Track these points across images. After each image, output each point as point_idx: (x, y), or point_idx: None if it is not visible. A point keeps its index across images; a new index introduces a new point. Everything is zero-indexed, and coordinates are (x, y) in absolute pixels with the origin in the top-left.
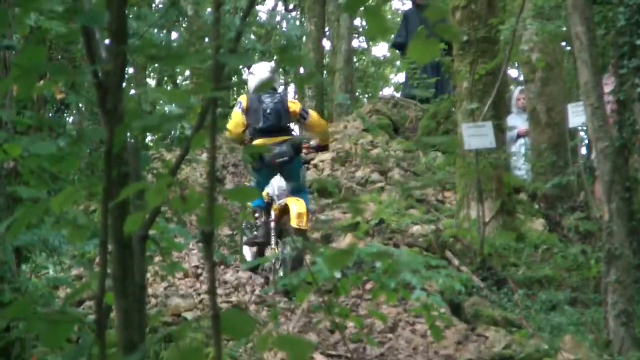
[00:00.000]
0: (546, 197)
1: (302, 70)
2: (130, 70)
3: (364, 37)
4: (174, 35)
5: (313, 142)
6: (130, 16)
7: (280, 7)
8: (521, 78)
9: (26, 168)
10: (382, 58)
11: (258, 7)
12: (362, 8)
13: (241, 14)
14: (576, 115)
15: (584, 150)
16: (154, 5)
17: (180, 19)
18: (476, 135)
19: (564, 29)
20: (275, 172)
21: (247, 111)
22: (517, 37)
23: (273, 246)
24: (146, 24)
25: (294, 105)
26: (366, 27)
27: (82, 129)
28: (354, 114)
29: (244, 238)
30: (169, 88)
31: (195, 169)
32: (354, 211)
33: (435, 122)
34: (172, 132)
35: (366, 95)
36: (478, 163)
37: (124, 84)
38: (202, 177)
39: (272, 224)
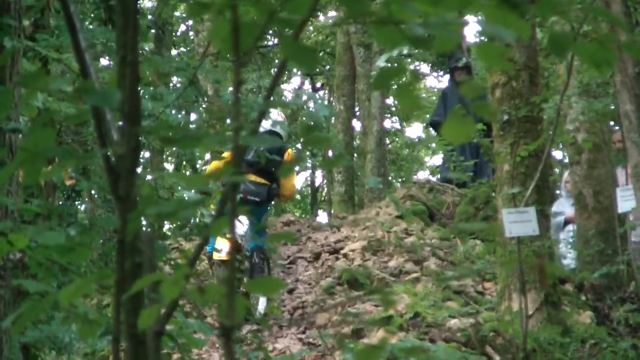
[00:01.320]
0: (594, 288)
1: (330, 152)
2: (146, 154)
3: (397, 117)
4: (193, 116)
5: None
6: (145, 96)
7: (307, 85)
8: (566, 160)
9: (34, 260)
10: (416, 139)
11: (283, 86)
12: (394, 86)
13: (265, 93)
14: (625, 200)
15: (634, 237)
16: (171, 84)
17: (200, 98)
18: (518, 222)
19: (612, 107)
20: (242, 208)
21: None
22: (561, 116)
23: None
24: (162, 105)
25: (288, 156)
26: (398, 106)
27: (94, 217)
28: (387, 200)
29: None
30: (187, 173)
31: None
32: (386, 304)
33: (474, 207)
34: (192, 220)
35: (399, 180)
36: (520, 251)
37: (138, 169)
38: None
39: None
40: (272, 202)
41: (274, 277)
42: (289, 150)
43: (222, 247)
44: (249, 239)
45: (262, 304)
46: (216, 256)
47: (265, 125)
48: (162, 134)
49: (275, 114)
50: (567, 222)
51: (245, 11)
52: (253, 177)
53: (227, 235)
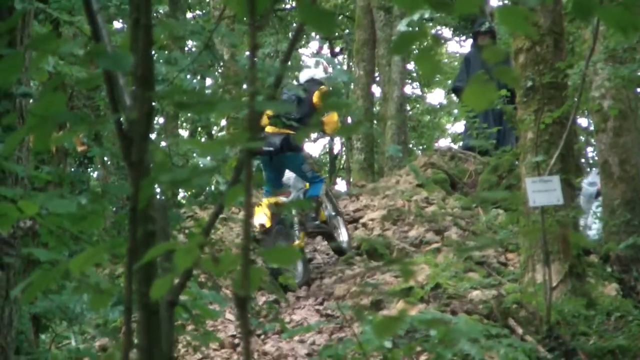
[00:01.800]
0: (620, 259)
1: (349, 119)
2: (160, 120)
3: (418, 83)
4: (208, 81)
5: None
6: (159, 60)
7: (326, 50)
8: (592, 128)
9: (44, 228)
10: (437, 106)
11: (301, 50)
12: (415, 51)
13: (282, 57)
14: None
15: None
16: (185, 48)
17: (215, 63)
18: (542, 191)
19: (639, 73)
20: (268, 162)
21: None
22: (587, 83)
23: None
24: (177, 69)
25: (318, 96)
26: (419, 72)
27: (106, 185)
28: (407, 168)
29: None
30: (202, 140)
31: (231, 228)
32: (406, 274)
33: (497, 176)
34: (207, 188)
35: (420, 147)
36: (544, 221)
37: (151, 135)
38: (239, 237)
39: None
40: (296, 150)
41: (290, 246)
42: (317, 91)
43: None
44: (295, 188)
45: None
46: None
47: (308, 73)
48: (176, 99)
49: (316, 63)
50: (599, 193)
51: None
52: (270, 129)
53: (260, 203)
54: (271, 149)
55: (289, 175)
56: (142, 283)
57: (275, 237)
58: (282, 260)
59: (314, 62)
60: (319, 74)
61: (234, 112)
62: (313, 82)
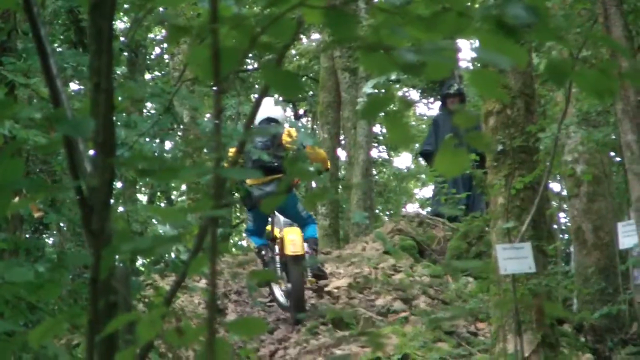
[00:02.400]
0: (594, 329)
1: (313, 184)
2: (118, 185)
3: (384, 147)
4: (168, 145)
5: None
6: (118, 124)
7: (289, 112)
8: (564, 193)
9: (0, 297)
10: (405, 170)
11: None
12: (382, 114)
13: (245, 120)
14: (627, 236)
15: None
16: (145, 111)
17: (175, 126)
18: (513, 258)
19: (613, 137)
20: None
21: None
22: (559, 147)
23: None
24: (136, 133)
25: (287, 137)
26: (387, 136)
27: (63, 253)
28: (374, 234)
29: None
30: (162, 205)
31: (192, 297)
32: (374, 345)
33: (467, 243)
34: (167, 256)
35: (387, 213)
36: (515, 290)
37: (111, 201)
38: (201, 307)
39: (277, 258)
40: (291, 191)
41: (254, 317)
42: (285, 133)
43: (293, 238)
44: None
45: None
46: (289, 251)
47: (264, 113)
48: (138, 166)
49: (271, 101)
50: None
51: (225, 35)
52: (260, 180)
53: (295, 230)
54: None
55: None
56: (102, 356)
57: (299, 270)
58: (248, 332)
59: (271, 100)
60: (275, 112)
61: (196, 178)
62: (269, 122)
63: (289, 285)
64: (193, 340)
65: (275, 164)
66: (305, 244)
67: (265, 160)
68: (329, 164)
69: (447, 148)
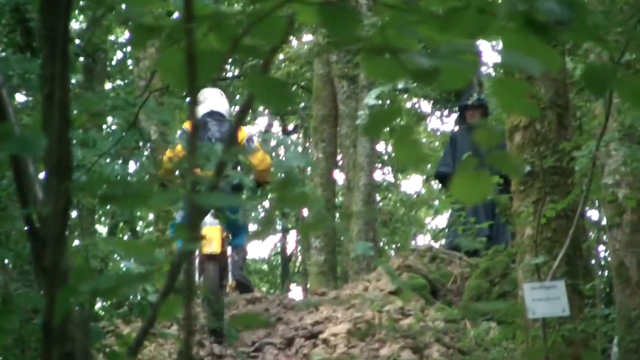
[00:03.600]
0: None
1: (306, 212)
2: (74, 213)
3: (389, 168)
4: (133, 167)
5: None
6: (75, 142)
7: (277, 127)
8: (604, 222)
9: None
10: (414, 196)
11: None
12: (387, 130)
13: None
14: None
15: None
16: (105, 127)
17: (142, 144)
18: (544, 300)
19: None
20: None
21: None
22: (598, 167)
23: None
24: (95, 152)
25: (241, 134)
26: (393, 155)
27: (9, 294)
28: (378, 271)
29: None
30: (125, 238)
31: (162, 345)
32: None
33: (488, 281)
34: (132, 298)
35: (394, 246)
36: (547, 337)
37: (66, 234)
38: (173, 357)
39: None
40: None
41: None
42: (240, 133)
43: (210, 236)
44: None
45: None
46: (205, 249)
47: (206, 106)
48: (99, 191)
49: (215, 93)
50: None
51: (202, 37)
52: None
53: (213, 228)
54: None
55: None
56: None
57: (214, 270)
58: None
59: (213, 91)
60: (219, 105)
61: (168, 205)
62: (213, 116)
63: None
64: None
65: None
66: (233, 251)
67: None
68: (269, 177)
69: (466, 170)
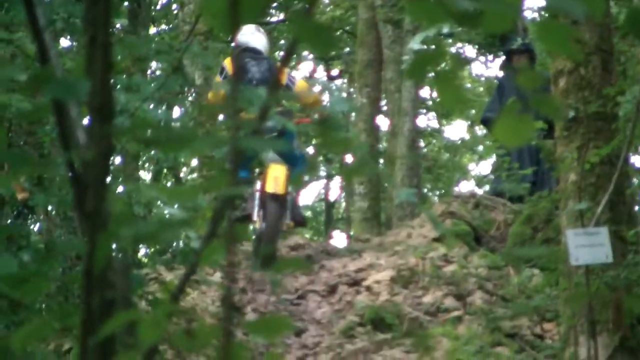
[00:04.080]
0: None
1: (350, 158)
2: (118, 160)
3: (434, 114)
4: (177, 112)
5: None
6: (118, 87)
7: (321, 72)
8: None
9: None
10: (458, 141)
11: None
12: (431, 74)
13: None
14: None
15: None
16: (149, 71)
17: (186, 89)
18: (587, 246)
19: None
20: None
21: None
22: None
23: (255, 218)
24: (139, 97)
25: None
26: (437, 100)
27: (52, 240)
28: (421, 218)
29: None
30: (169, 184)
31: (205, 293)
32: (422, 349)
33: (532, 228)
34: (174, 244)
35: (437, 193)
36: (589, 284)
37: (109, 179)
38: (215, 304)
39: (257, 194)
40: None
41: (278, 315)
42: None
43: (276, 175)
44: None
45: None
46: (269, 188)
47: (243, 38)
48: (140, 135)
49: (252, 28)
50: None
51: None
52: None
53: (279, 168)
54: (275, 133)
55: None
56: None
57: (276, 210)
58: (272, 333)
59: (250, 27)
60: (256, 41)
61: (210, 150)
62: (250, 54)
63: (263, 225)
64: (206, 344)
65: None
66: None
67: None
68: (315, 101)
69: (510, 114)
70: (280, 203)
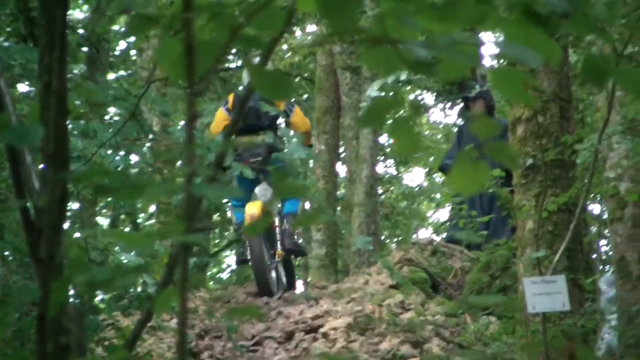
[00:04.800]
0: None
1: (307, 205)
2: (74, 206)
3: (392, 161)
4: (134, 158)
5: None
6: (74, 133)
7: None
8: (605, 216)
9: None
10: (416, 189)
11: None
12: (388, 121)
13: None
14: None
15: None
16: (106, 117)
17: (143, 135)
18: (544, 294)
19: None
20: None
21: (232, 110)
22: (600, 161)
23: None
24: (96, 143)
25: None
26: (393, 146)
27: (8, 286)
28: (378, 265)
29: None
30: (126, 230)
31: (161, 339)
32: None
33: (489, 275)
34: (131, 290)
35: (395, 240)
36: (546, 332)
37: (64, 225)
38: (172, 350)
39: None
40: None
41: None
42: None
43: (252, 212)
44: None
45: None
46: (248, 215)
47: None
48: (97, 182)
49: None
50: None
51: (201, 27)
52: (247, 139)
53: (254, 204)
54: (259, 157)
55: (259, 189)
56: None
57: (258, 242)
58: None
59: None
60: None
61: (166, 197)
62: (252, 102)
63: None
64: None
65: (259, 123)
66: (284, 220)
67: (254, 122)
68: (311, 140)
69: (465, 161)
70: (259, 235)
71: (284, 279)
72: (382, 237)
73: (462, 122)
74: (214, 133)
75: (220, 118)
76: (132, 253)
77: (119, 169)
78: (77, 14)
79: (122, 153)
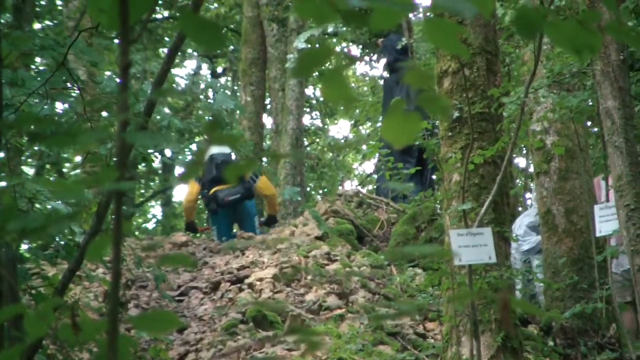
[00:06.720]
0: (564, 331)
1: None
2: (1, 154)
3: (318, 113)
4: (62, 107)
5: (261, 219)
6: (3, 81)
7: (206, 70)
8: (531, 169)
9: None
10: (342, 140)
11: (175, 71)
12: (316, 73)
13: (153, 79)
14: (605, 221)
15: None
16: (34, 67)
17: (70, 85)
18: (470, 246)
19: (590, 103)
20: (229, 213)
21: (202, 177)
22: (526, 114)
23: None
24: (24, 92)
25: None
26: (322, 98)
27: None
28: (305, 216)
29: None
30: (52, 179)
31: (88, 288)
32: (308, 345)
33: (415, 228)
34: (58, 239)
35: (321, 191)
36: (472, 284)
37: None
38: (98, 299)
39: None
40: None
41: (164, 311)
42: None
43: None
44: None
45: None
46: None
47: (216, 149)
48: (27, 129)
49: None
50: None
51: None
52: (224, 186)
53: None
54: (238, 195)
55: None
56: None
57: None
58: (158, 328)
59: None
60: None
61: (95, 145)
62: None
63: None
64: (91, 339)
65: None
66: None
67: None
68: (277, 207)
69: (395, 113)
70: None
71: None
72: (308, 189)
73: (387, 77)
74: (188, 202)
75: (192, 190)
76: (60, 202)
77: (47, 117)
78: None
79: (49, 101)
